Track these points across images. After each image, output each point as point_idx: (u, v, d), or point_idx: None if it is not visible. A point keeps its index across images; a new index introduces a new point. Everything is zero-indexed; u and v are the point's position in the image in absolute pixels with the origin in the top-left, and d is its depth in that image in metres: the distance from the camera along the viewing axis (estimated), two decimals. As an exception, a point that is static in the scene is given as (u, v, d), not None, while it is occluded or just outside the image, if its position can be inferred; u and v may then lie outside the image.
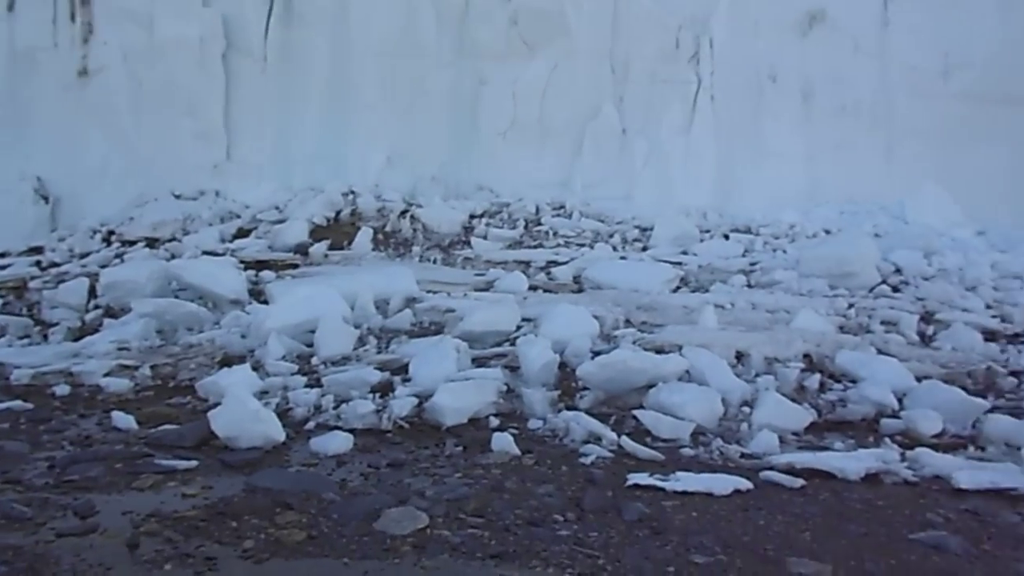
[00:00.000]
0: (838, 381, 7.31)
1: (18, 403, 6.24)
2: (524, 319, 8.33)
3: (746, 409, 6.48)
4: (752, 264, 11.90)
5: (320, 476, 4.83)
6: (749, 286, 10.85)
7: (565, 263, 11.71)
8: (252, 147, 16.87)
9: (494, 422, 6.17)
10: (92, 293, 10.11)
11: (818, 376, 7.29)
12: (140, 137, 16.80)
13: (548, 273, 11.43)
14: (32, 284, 10.96)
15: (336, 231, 13.84)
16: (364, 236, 13.26)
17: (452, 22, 16.98)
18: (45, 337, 9.26)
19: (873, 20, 16.17)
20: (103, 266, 11.55)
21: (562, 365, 7.18)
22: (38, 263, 12.87)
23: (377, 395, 6.52)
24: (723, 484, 4.90)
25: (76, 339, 8.93)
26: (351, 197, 15.08)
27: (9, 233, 15.58)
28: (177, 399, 6.64)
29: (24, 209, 16.44)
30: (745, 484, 4.92)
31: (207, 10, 16.75)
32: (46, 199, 16.70)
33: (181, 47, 16.68)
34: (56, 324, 9.54)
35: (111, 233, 14.64)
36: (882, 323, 9.14)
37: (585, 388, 6.80)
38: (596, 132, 16.09)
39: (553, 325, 7.87)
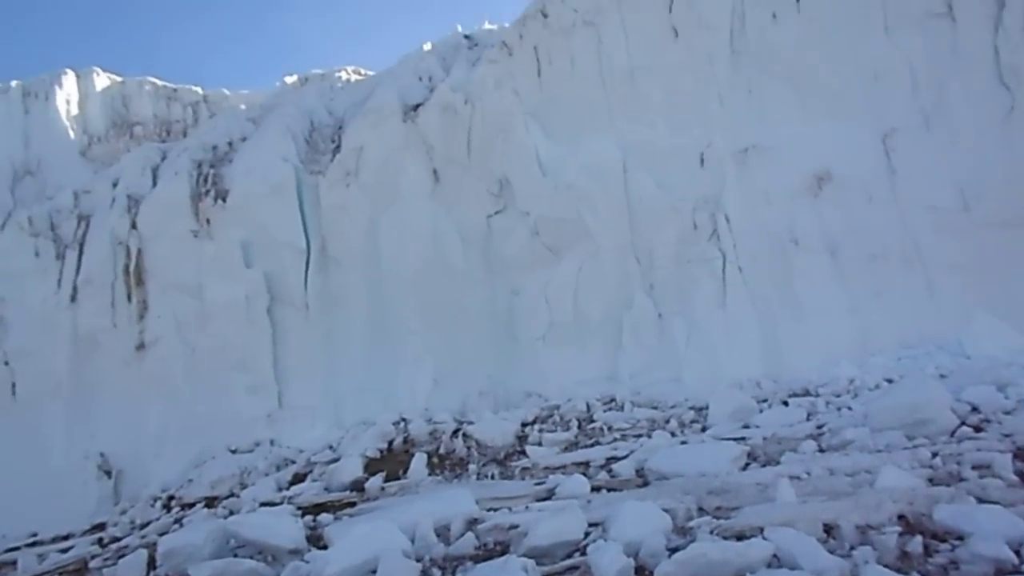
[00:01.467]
0: (943, 540, 6.66)
1: None
2: (591, 524, 7.90)
3: (848, 588, 5.88)
4: (819, 427, 11.38)
5: None
6: (821, 451, 10.28)
7: (625, 457, 11.30)
8: (303, 392, 17.28)
9: (575, 646, 5.66)
10: (152, 564, 9.91)
11: (919, 538, 6.65)
12: (196, 399, 17.36)
13: (609, 470, 11.00)
14: (92, 563, 10.79)
15: (391, 461, 13.71)
16: (419, 462, 13.07)
17: (477, 242, 17.85)
18: (105, 620, 9.00)
19: (879, 171, 16.54)
20: (162, 534, 11.44)
21: (639, 569, 6.67)
22: (100, 540, 12.84)
23: (447, 634, 6.07)
24: None
25: (136, 618, 8.63)
26: (402, 425, 15.10)
27: (74, 514, 15.80)
28: (239, 669, 6.24)
29: (89, 487, 16.79)
30: None
31: (250, 271, 17.88)
32: (109, 474, 17.04)
33: (229, 308, 17.66)
34: (116, 604, 9.29)
35: (171, 498, 14.70)
36: (974, 468, 8.47)
37: (668, 592, 6.27)
38: (633, 321, 16.24)
39: (623, 526, 7.44)
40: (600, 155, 17.46)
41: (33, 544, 13.87)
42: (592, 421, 13.73)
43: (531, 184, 17.64)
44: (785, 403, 13.03)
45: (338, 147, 19.72)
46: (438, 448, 13.84)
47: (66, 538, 13.93)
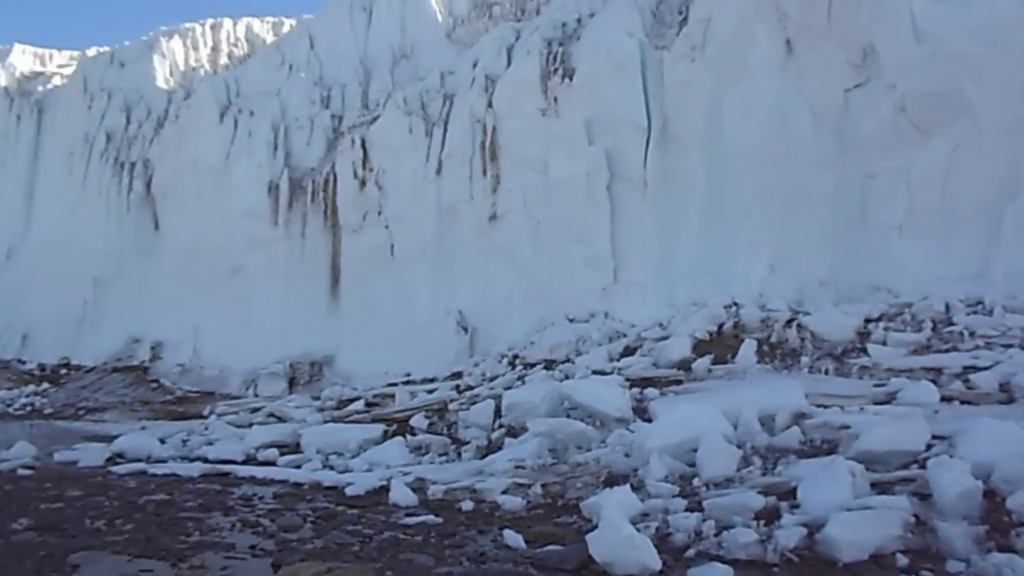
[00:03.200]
0: None
1: (431, 517, 7.02)
2: (935, 437, 7.22)
3: None
4: None
5: (697, 612, 4.54)
6: None
7: (987, 368, 10.00)
8: (637, 268, 17.70)
9: (902, 560, 5.31)
10: (498, 413, 11.18)
11: None
12: (539, 268, 18.71)
13: (965, 380, 9.85)
14: (451, 406, 12.47)
15: (719, 344, 13.64)
16: (748, 348, 12.84)
17: (830, 119, 16.30)
18: (459, 454, 10.42)
19: None
20: (507, 388, 12.80)
21: (988, 494, 5.98)
22: (457, 387, 14.74)
23: (761, 522, 6.06)
24: None
25: (482, 456, 9.89)
26: (734, 309, 14.85)
27: (438, 361, 18.27)
28: (564, 518, 6.87)
29: (449, 339, 19.19)
30: None
31: (592, 148, 18.38)
32: (465, 329, 19.29)
33: (571, 184, 18.47)
34: (468, 442, 10.70)
35: (515, 357, 16.26)
36: None
37: (1022, 524, 5.56)
38: (1018, 213, 13.85)
39: (974, 444, 6.68)
40: (995, 13, 14.64)
41: (407, 383, 16.38)
42: (951, 324, 12.27)
43: (902, 51, 15.45)
44: None
45: (685, 19, 18.98)
46: (769, 336, 13.43)
47: (431, 380, 16.23)
